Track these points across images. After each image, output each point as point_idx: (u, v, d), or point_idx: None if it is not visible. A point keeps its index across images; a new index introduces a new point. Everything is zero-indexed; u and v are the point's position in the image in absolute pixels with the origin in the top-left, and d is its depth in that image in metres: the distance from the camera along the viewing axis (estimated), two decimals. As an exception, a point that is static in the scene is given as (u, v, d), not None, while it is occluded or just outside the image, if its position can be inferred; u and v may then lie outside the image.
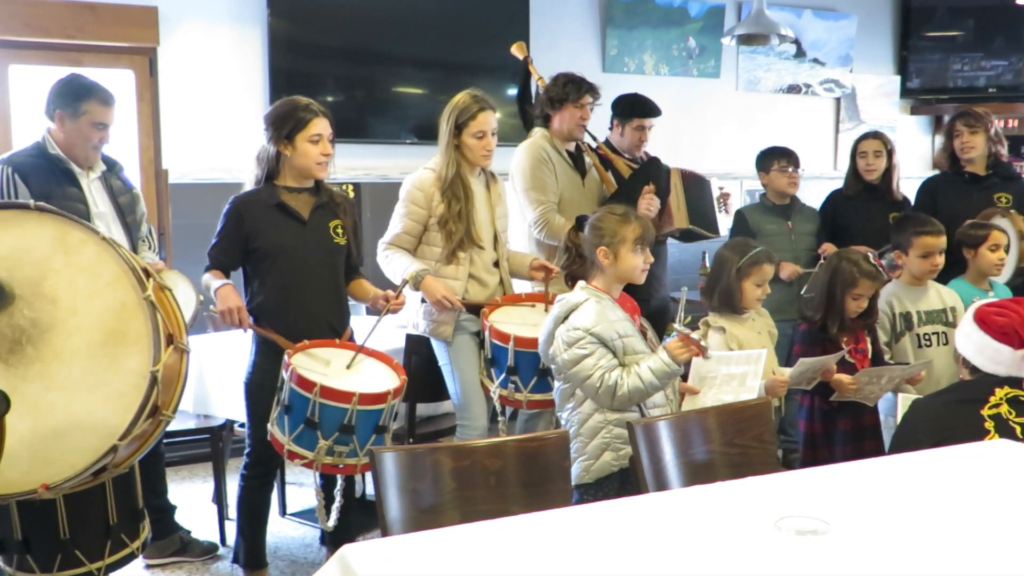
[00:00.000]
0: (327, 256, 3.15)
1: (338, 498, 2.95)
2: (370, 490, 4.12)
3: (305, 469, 2.84)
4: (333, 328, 3.14)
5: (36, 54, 4.47)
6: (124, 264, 2.11)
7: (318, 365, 2.85)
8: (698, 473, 2.33)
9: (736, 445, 2.47)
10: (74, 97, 3.22)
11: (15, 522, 2.24)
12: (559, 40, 5.65)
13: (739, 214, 4.56)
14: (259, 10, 4.83)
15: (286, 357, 2.80)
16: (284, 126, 3.05)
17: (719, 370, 3.00)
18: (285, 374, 2.77)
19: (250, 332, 3.07)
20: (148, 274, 2.19)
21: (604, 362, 2.67)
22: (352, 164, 5.03)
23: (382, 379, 2.89)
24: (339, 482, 2.98)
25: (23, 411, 1.76)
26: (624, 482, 2.78)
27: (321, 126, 3.07)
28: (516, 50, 4.23)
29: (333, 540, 3.38)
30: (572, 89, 3.84)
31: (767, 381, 3.09)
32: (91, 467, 2.00)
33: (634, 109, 4.19)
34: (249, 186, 3.14)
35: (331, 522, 2.92)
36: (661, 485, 2.29)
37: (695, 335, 2.66)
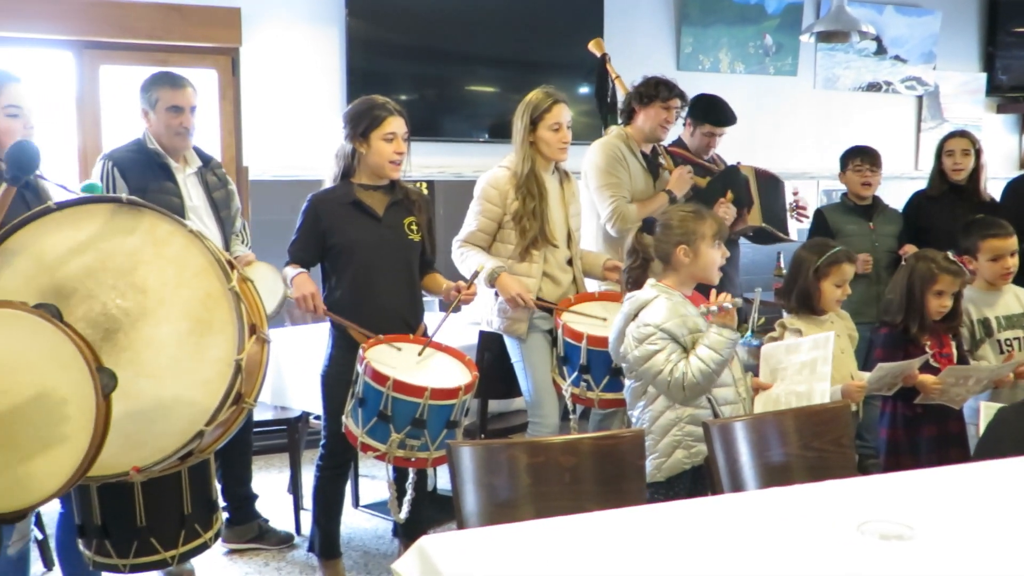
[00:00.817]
0: (401, 252, 3.19)
1: (410, 491, 2.98)
2: (441, 484, 4.17)
3: (378, 462, 2.88)
4: (407, 323, 3.17)
5: (125, 55, 4.62)
6: (210, 256, 2.17)
7: (392, 359, 2.89)
8: (774, 475, 2.29)
9: (813, 448, 2.43)
10: (147, 89, 3.36)
11: (95, 509, 2.31)
12: (633, 38, 5.62)
13: (818, 213, 4.47)
14: (337, 10, 4.91)
15: (361, 351, 2.85)
16: (360, 124, 3.10)
17: (789, 360, 2.96)
18: (360, 367, 2.81)
19: (327, 326, 3.12)
20: (232, 265, 2.24)
21: (674, 356, 2.65)
22: (426, 162, 5.08)
23: (454, 374, 2.91)
24: (411, 476, 3.02)
25: (116, 396, 1.82)
26: (696, 481, 2.76)
27: (395, 125, 3.11)
28: (593, 47, 4.22)
29: (405, 533, 3.42)
30: (663, 89, 3.83)
31: (844, 385, 3.03)
32: (179, 451, 2.06)
33: (708, 115, 4.15)
34: (329, 183, 3.20)
35: (403, 514, 2.95)
36: (737, 486, 2.26)
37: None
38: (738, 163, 4.17)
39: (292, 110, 4.90)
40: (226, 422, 2.23)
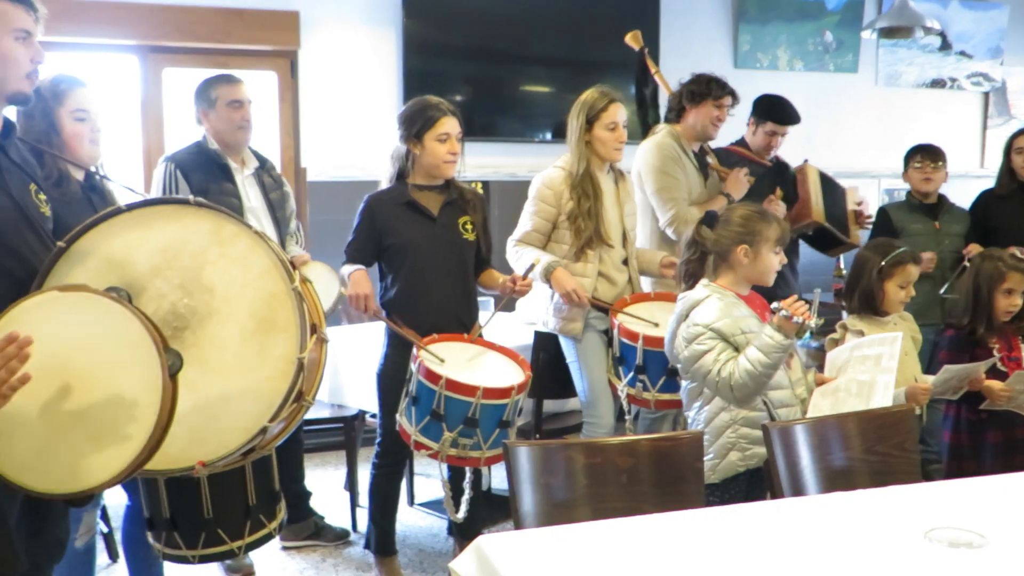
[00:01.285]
0: (456, 252, 3.21)
1: (467, 490, 3.00)
2: (495, 483, 4.18)
3: (433, 460, 2.90)
4: (462, 322, 3.19)
5: (187, 58, 4.72)
6: (274, 256, 2.20)
7: (446, 358, 2.91)
8: (837, 479, 2.26)
9: (877, 453, 2.38)
10: (204, 91, 3.44)
11: (164, 502, 2.36)
12: (689, 36, 5.57)
13: (882, 212, 4.39)
14: (394, 12, 4.96)
15: (415, 349, 2.87)
16: (414, 125, 3.12)
17: (853, 355, 2.91)
18: (413, 366, 2.84)
19: (383, 324, 3.15)
20: (294, 266, 2.28)
21: (723, 356, 2.63)
22: (481, 162, 5.10)
23: (508, 374, 2.92)
24: (467, 474, 3.03)
25: (183, 392, 1.86)
26: (752, 484, 2.73)
27: (449, 125, 3.12)
28: (631, 40, 4.19)
29: (459, 532, 3.44)
30: (715, 87, 3.80)
31: (908, 388, 2.96)
32: (243, 447, 2.10)
33: (770, 113, 4.10)
34: (385, 184, 3.23)
35: (460, 513, 2.97)
36: (797, 490, 2.23)
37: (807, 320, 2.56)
38: (805, 161, 4.12)
39: (349, 111, 4.96)
40: (287, 419, 2.26)
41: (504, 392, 2.79)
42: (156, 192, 3.36)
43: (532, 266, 3.25)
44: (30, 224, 2.18)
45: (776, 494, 2.24)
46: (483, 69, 5.25)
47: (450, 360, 2.90)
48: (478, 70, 5.25)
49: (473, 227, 3.24)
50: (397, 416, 2.97)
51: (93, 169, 2.79)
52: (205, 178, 3.36)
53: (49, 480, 1.66)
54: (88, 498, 1.70)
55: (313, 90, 4.90)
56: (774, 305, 2.61)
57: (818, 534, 1.77)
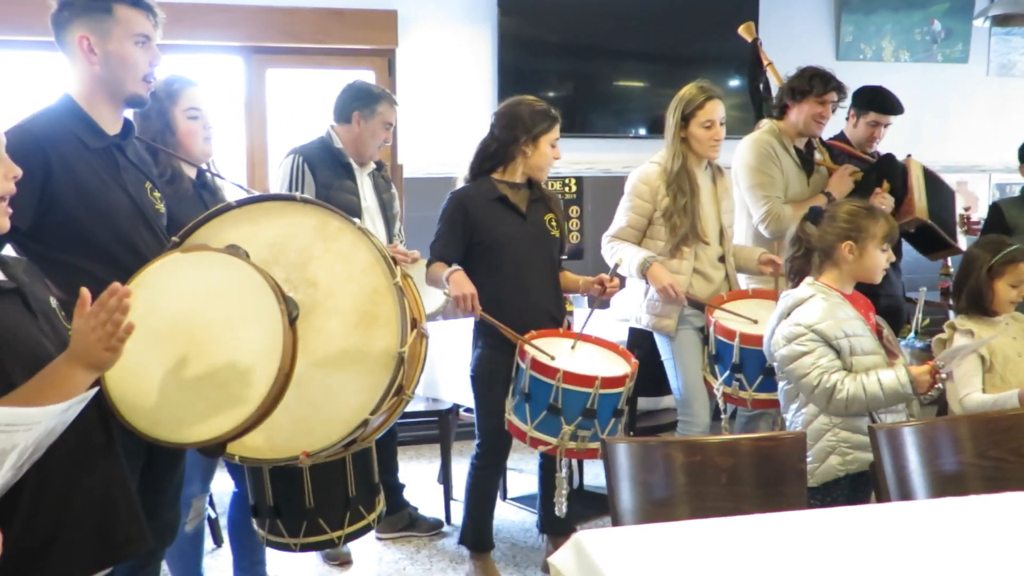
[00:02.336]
0: (546, 249, 3.22)
1: (559, 486, 3.01)
2: (587, 480, 4.17)
3: (526, 455, 2.91)
4: (553, 318, 3.20)
5: (289, 58, 4.85)
6: (376, 252, 2.24)
7: (555, 352, 2.93)
8: (947, 484, 2.18)
9: (990, 458, 2.29)
10: (371, 100, 3.51)
11: (268, 491, 2.44)
12: (790, 27, 5.45)
13: (994, 208, 4.21)
14: (490, 9, 4.99)
15: (520, 346, 2.89)
16: (537, 125, 3.12)
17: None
18: (523, 363, 2.85)
19: (471, 322, 3.17)
20: (396, 261, 2.32)
21: (824, 361, 2.56)
22: (575, 158, 5.09)
23: (614, 364, 2.94)
24: (563, 471, 3.04)
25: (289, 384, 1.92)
26: (855, 488, 2.66)
27: (556, 131, 3.16)
28: (744, 31, 4.11)
29: (551, 529, 3.45)
30: (818, 83, 3.68)
31: (1021, 391, 2.84)
32: (345, 438, 2.14)
33: (872, 103, 3.96)
34: (461, 180, 3.24)
35: (563, 509, 2.98)
36: (905, 494, 2.17)
37: (941, 363, 2.51)
38: (908, 156, 3.98)
39: (445, 108, 5.01)
40: (388, 412, 2.30)
41: (619, 380, 2.83)
42: (283, 183, 3.46)
43: (616, 265, 3.24)
44: (146, 220, 2.28)
45: (882, 498, 2.18)
46: (577, 65, 5.24)
47: (555, 354, 2.92)
48: (572, 66, 5.24)
49: (556, 224, 3.26)
50: (507, 416, 2.98)
51: (205, 167, 2.90)
52: (329, 174, 3.46)
53: (182, 431, 1.74)
54: (221, 447, 1.76)
55: (410, 87, 4.97)
56: (935, 361, 2.53)
57: (927, 540, 1.71)
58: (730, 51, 5.30)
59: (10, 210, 1.61)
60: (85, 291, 1.59)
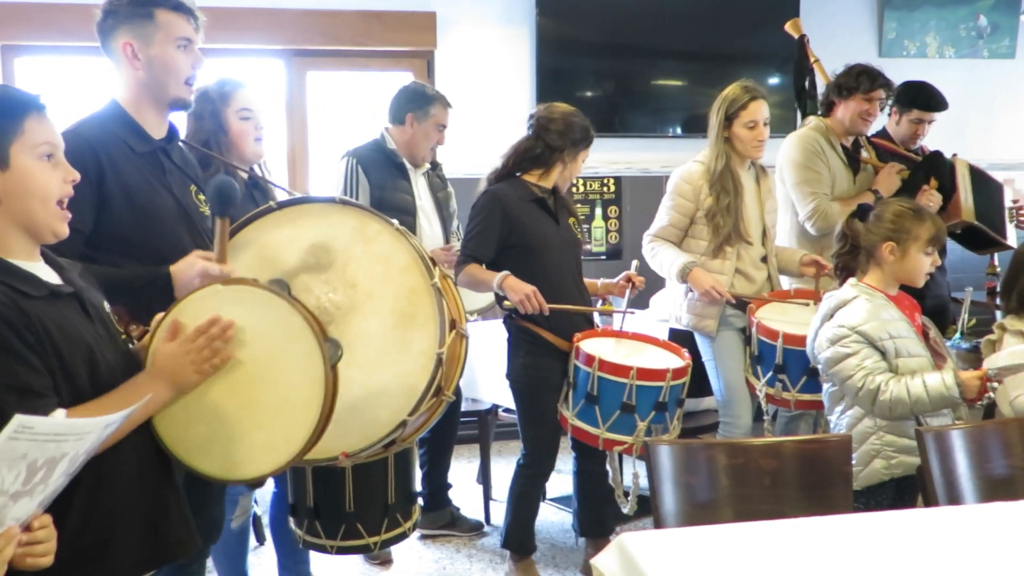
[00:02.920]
0: (575, 251, 3.26)
1: (616, 488, 3.03)
2: (626, 482, 4.14)
3: (564, 456, 2.91)
4: (587, 319, 3.21)
5: (329, 61, 4.89)
6: (414, 253, 2.25)
7: (606, 352, 2.94)
8: (997, 489, 2.14)
9: (1041, 462, 2.24)
10: (425, 102, 3.56)
11: (309, 491, 2.46)
12: (831, 24, 5.37)
13: (1043, 204, 4.12)
14: (528, 10, 4.98)
15: (577, 347, 2.90)
16: (584, 140, 3.16)
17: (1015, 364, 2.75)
18: (584, 366, 2.86)
19: (502, 332, 3.20)
20: (434, 263, 2.32)
21: (869, 363, 2.52)
22: (613, 158, 5.07)
23: (663, 355, 3.01)
24: (609, 473, 3.05)
25: (328, 385, 1.93)
26: (901, 492, 2.62)
27: (588, 152, 3.23)
28: (791, 28, 4.06)
29: (589, 531, 3.43)
30: (865, 80, 3.62)
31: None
32: (384, 439, 2.16)
33: (916, 100, 3.89)
34: (485, 179, 3.22)
35: (629, 509, 3.01)
36: (953, 498, 2.12)
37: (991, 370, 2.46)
38: (954, 155, 3.91)
39: (483, 109, 5.01)
40: (427, 412, 2.31)
41: (684, 370, 2.91)
42: (337, 186, 3.50)
43: (636, 266, 3.28)
44: (190, 222, 2.31)
45: (930, 502, 2.14)
46: (615, 64, 5.22)
47: (610, 352, 2.93)
48: (610, 65, 5.21)
49: (578, 227, 3.30)
50: (571, 421, 2.97)
51: (257, 167, 2.94)
52: (383, 175, 3.50)
53: (222, 466, 1.75)
54: (261, 482, 1.79)
55: (448, 88, 4.95)
56: (988, 369, 2.48)
57: (976, 545, 1.68)
58: (770, 49, 5.24)
59: (68, 214, 1.64)
60: (177, 320, 1.68)
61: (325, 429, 1.78)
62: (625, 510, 3.03)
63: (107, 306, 1.76)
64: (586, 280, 3.33)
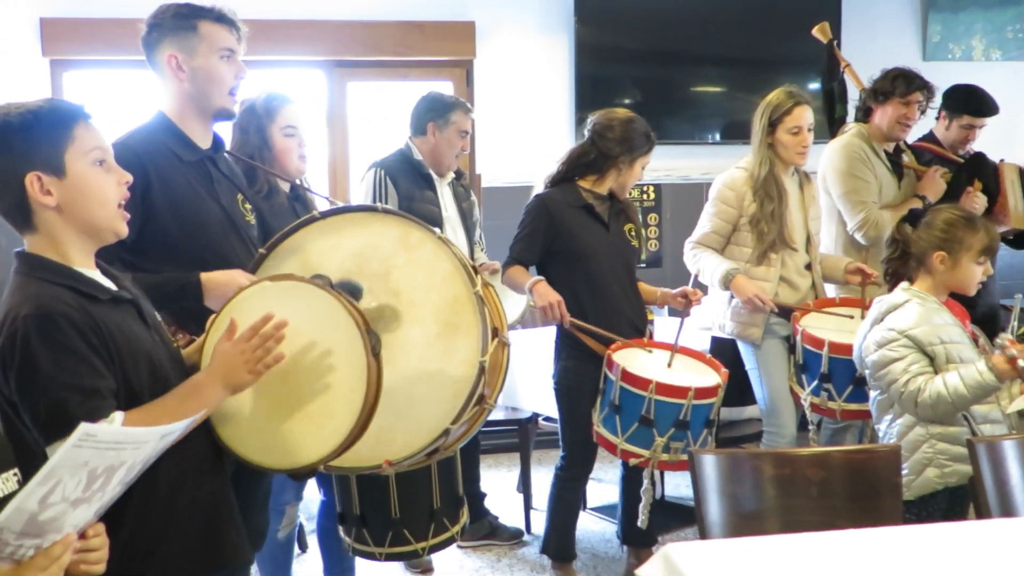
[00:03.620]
0: (627, 258, 3.21)
1: (644, 498, 2.98)
2: (668, 491, 4.12)
3: (605, 464, 2.89)
4: (636, 328, 3.16)
5: (370, 71, 4.93)
6: (456, 261, 2.25)
7: (640, 364, 2.90)
8: (1053, 500, 2.08)
9: (1099, 473, 2.18)
10: (444, 109, 3.56)
11: (355, 499, 2.48)
12: (873, 27, 5.31)
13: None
14: (567, 18, 4.98)
15: (608, 357, 2.87)
16: (640, 147, 3.13)
17: None
18: (612, 375, 2.83)
19: (552, 333, 3.16)
20: (476, 271, 2.32)
21: (914, 368, 2.47)
22: (653, 165, 4.96)
23: (704, 373, 2.90)
24: (644, 483, 3.01)
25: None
26: (953, 502, 2.56)
27: (650, 157, 3.20)
28: (818, 32, 4.01)
29: (632, 540, 3.41)
30: (901, 83, 3.56)
31: None
32: (427, 447, 2.16)
33: (967, 105, 3.82)
34: (542, 183, 3.23)
35: (641, 521, 2.94)
36: (1007, 510, 2.08)
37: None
38: (1001, 160, 3.83)
39: (523, 117, 5.02)
40: (469, 421, 2.30)
41: (711, 391, 2.81)
42: (366, 196, 3.52)
43: (696, 275, 3.21)
44: (237, 231, 2.34)
45: (982, 513, 2.09)
46: (654, 71, 5.20)
47: (644, 365, 2.89)
48: (650, 72, 5.19)
49: (635, 235, 3.25)
50: (596, 428, 2.96)
51: (299, 181, 2.97)
52: (410, 185, 3.51)
53: (275, 456, 1.80)
54: (310, 472, 1.83)
55: (487, 97, 5.00)
56: (998, 340, 2.42)
57: (1035, 559, 1.63)
58: (810, 54, 5.16)
59: (127, 215, 1.69)
60: (235, 319, 1.70)
61: (371, 417, 1.82)
62: (640, 523, 3.00)
63: (157, 315, 1.80)
64: (646, 287, 3.30)
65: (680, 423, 2.73)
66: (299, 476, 1.88)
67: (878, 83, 3.64)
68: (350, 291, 2.02)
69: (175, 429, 1.40)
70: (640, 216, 5.14)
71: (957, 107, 3.84)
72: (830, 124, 3.97)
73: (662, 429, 2.75)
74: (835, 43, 3.96)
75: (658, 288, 3.29)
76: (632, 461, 2.83)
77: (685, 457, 2.75)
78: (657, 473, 3.89)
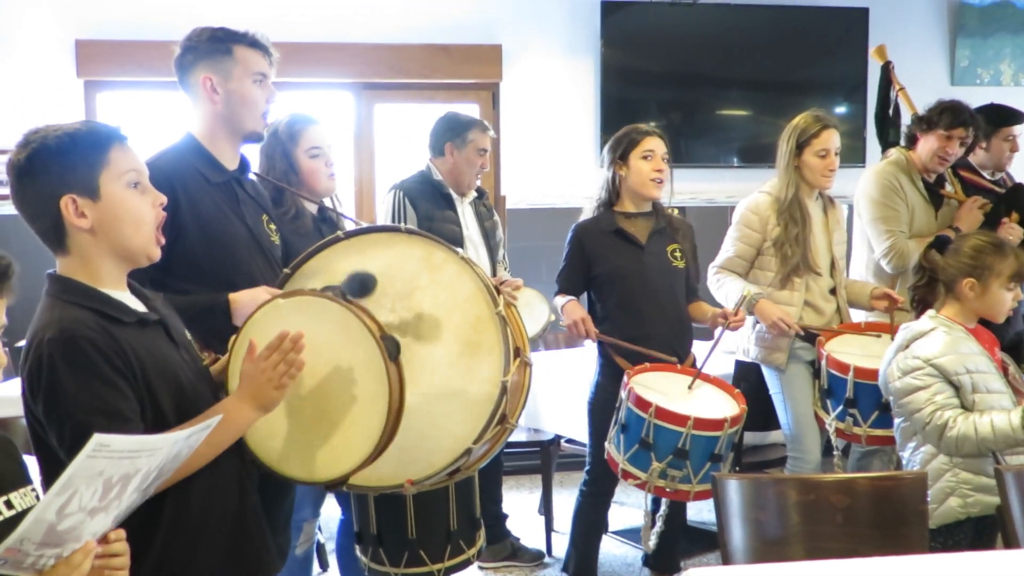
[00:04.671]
0: (666, 280, 3.16)
1: (659, 523, 2.95)
2: (692, 516, 4.08)
3: (627, 487, 2.87)
4: (674, 351, 3.08)
5: (397, 93, 4.98)
6: (479, 281, 2.26)
7: (659, 386, 2.88)
8: (1083, 532, 2.04)
9: None
10: (461, 129, 3.58)
11: (372, 518, 2.48)
12: (902, 52, 5.21)
13: None
14: (592, 41, 5.01)
15: (626, 376, 2.86)
16: (619, 147, 3.14)
17: None
18: (623, 393, 2.82)
19: (592, 353, 3.15)
20: (498, 291, 2.33)
21: (940, 398, 2.44)
22: (677, 188, 4.95)
23: (720, 405, 2.85)
24: (663, 508, 2.99)
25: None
26: (980, 533, 2.52)
27: (653, 143, 3.13)
28: (876, 55, 4.00)
29: (655, 564, 3.38)
30: (947, 116, 3.50)
31: None
32: (448, 467, 2.16)
33: (1001, 118, 3.80)
34: (589, 213, 3.24)
35: (651, 544, 2.91)
36: (1036, 541, 2.04)
37: None
38: (1034, 185, 3.80)
39: (548, 140, 5.05)
40: (491, 441, 2.30)
41: (716, 424, 2.72)
42: (386, 218, 3.55)
43: (743, 298, 3.13)
44: (262, 250, 2.36)
45: (1010, 544, 2.06)
46: (680, 94, 5.21)
47: (662, 389, 2.86)
48: (675, 96, 5.21)
49: (682, 255, 3.20)
50: (606, 444, 2.95)
51: (329, 201, 3.00)
52: (430, 206, 3.53)
53: (309, 469, 1.83)
54: (342, 482, 1.83)
55: (513, 119, 5.03)
56: None
57: (1065, 591, 1.60)
58: (837, 78, 5.18)
59: (162, 238, 1.71)
60: (254, 340, 1.72)
61: (399, 420, 1.84)
62: (645, 547, 2.97)
63: (187, 334, 1.82)
64: (703, 307, 3.25)
65: (679, 451, 2.67)
66: (335, 487, 1.89)
67: (928, 112, 3.59)
68: (361, 283, 2.03)
69: (183, 436, 1.41)
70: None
71: (992, 123, 3.80)
72: (883, 148, 3.93)
73: (660, 455, 2.71)
74: (891, 66, 3.93)
75: (712, 308, 3.22)
76: (631, 482, 2.80)
77: (684, 487, 2.71)
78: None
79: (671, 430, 2.68)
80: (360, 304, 1.89)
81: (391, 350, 1.81)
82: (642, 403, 2.72)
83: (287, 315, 1.80)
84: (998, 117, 3.80)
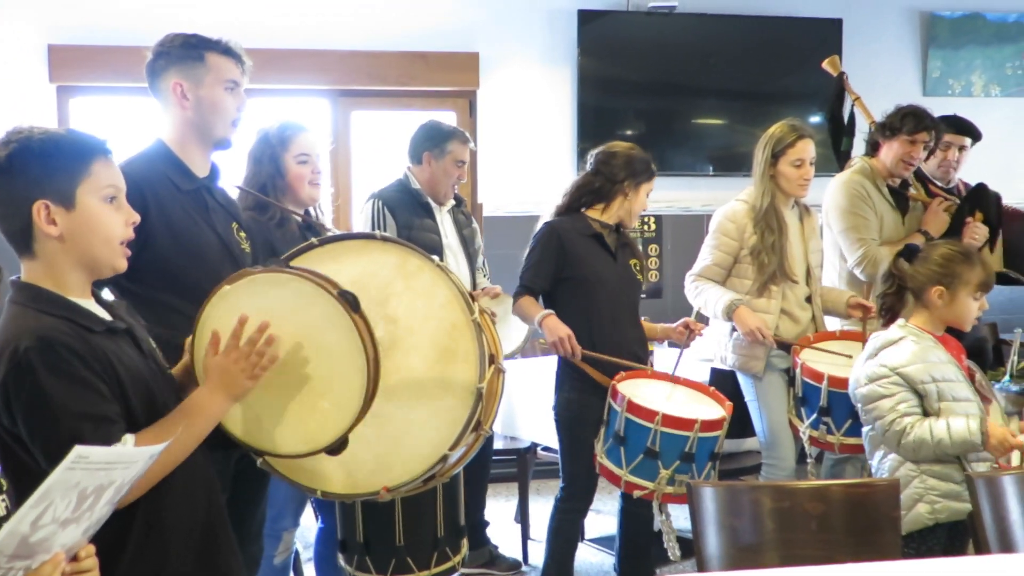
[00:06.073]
0: (633, 290, 3.22)
1: (664, 529, 2.95)
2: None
3: (603, 496, 2.87)
4: (639, 358, 3.14)
5: (374, 100, 4.97)
6: (455, 288, 2.25)
7: (644, 395, 2.89)
8: (1053, 537, 2.06)
9: (1100, 509, 2.16)
10: (441, 139, 3.57)
11: (359, 526, 2.47)
12: (874, 63, 5.35)
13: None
14: (569, 50, 5.03)
15: (613, 388, 2.86)
16: (641, 174, 3.15)
17: None
18: (617, 405, 2.82)
19: (551, 361, 3.16)
20: (473, 298, 2.33)
21: (903, 407, 2.48)
22: (654, 196, 4.97)
23: (708, 406, 2.90)
24: (657, 518, 2.98)
25: (369, 420, 1.93)
26: (952, 539, 2.54)
27: (653, 184, 3.22)
28: (828, 65, 4.02)
29: (629, 572, 3.37)
30: (910, 121, 3.54)
31: None
32: (424, 474, 2.15)
33: (957, 128, 3.85)
34: (546, 213, 3.24)
35: (678, 552, 2.91)
36: (1007, 546, 2.06)
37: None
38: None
39: (525, 148, 5.05)
40: (466, 447, 2.29)
41: (717, 423, 2.79)
42: (365, 227, 3.54)
43: (699, 309, 3.22)
44: (232, 258, 2.34)
45: (981, 549, 2.07)
46: (656, 103, 5.24)
47: (649, 397, 2.88)
48: (651, 104, 5.24)
49: (640, 269, 3.27)
50: (599, 459, 2.94)
51: (312, 210, 2.99)
52: (409, 215, 3.52)
53: (304, 441, 1.83)
54: (343, 441, 1.83)
55: (490, 127, 5.03)
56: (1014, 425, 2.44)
57: (1036, 596, 1.62)
58: (812, 87, 5.21)
59: (128, 251, 1.69)
60: (216, 331, 1.71)
61: (379, 369, 1.85)
62: (672, 556, 2.96)
63: (152, 342, 1.80)
64: (647, 324, 3.31)
65: (686, 456, 2.71)
66: (338, 449, 1.88)
67: (888, 118, 3.62)
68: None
69: (162, 450, 1.40)
70: (641, 247, 5.15)
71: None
72: (837, 158, 3.97)
73: (667, 462, 2.73)
74: (845, 76, 3.96)
75: (657, 324, 3.31)
76: (636, 493, 2.81)
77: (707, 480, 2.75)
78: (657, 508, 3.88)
79: (678, 436, 2.72)
80: (307, 268, 1.88)
81: (352, 302, 1.80)
82: (645, 412, 2.74)
83: (240, 298, 1.79)
84: (954, 127, 3.85)
